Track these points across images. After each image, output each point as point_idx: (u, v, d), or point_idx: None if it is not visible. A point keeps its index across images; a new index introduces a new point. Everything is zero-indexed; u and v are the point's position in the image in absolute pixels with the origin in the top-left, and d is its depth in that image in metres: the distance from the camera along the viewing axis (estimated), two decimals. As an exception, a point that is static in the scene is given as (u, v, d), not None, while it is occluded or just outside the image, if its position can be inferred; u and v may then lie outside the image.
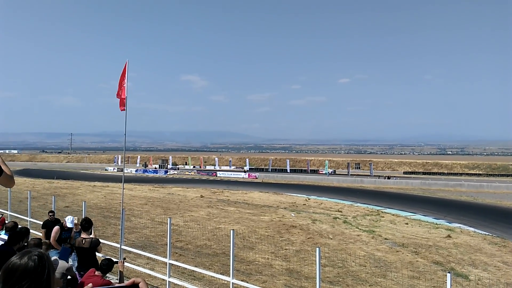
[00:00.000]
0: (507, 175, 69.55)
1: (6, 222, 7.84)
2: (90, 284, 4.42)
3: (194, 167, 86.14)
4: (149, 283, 8.10)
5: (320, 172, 73.70)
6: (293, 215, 20.76)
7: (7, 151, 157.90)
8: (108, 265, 5.02)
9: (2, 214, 10.84)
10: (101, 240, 6.70)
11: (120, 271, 5.28)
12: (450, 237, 16.06)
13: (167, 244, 8.15)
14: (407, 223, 19.54)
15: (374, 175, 62.85)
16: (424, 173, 76.45)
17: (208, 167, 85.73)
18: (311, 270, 10.26)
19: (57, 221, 8.02)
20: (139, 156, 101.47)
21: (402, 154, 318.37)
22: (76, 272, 5.73)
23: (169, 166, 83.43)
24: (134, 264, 9.17)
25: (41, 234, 8.32)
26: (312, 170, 78.43)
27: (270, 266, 10.97)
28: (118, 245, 8.96)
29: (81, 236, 6.19)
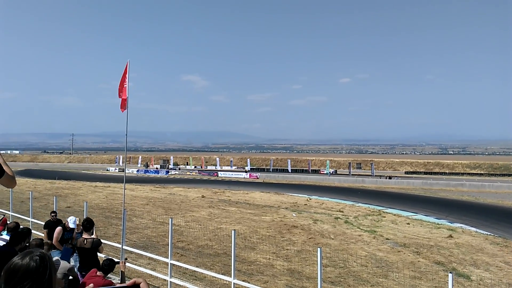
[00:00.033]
0: (509, 175, 69.39)
1: (8, 222, 7.85)
2: (92, 285, 4.43)
3: (195, 167, 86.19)
4: (150, 283, 8.10)
5: (322, 172, 73.63)
6: (294, 215, 20.74)
7: (8, 152, 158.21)
8: (109, 265, 5.03)
9: (4, 215, 10.85)
10: (102, 241, 6.71)
11: (121, 271, 5.29)
12: (451, 237, 16.03)
13: (168, 244, 8.15)
14: (408, 223, 19.51)
15: (375, 175, 62.80)
16: (425, 173, 76.35)
17: (209, 167, 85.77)
18: (313, 270, 10.25)
19: (59, 222, 8.04)
20: (140, 157, 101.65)
21: (403, 154, 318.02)
22: (78, 273, 5.74)
23: (170, 166, 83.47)
24: (135, 265, 9.18)
25: (43, 235, 8.33)
26: (313, 170, 78.42)
27: (271, 266, 10.96)
28: (120, 246, 8.97)
29: (83, 236, 6.20)
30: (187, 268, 8.71)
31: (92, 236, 6.21)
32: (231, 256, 7.21)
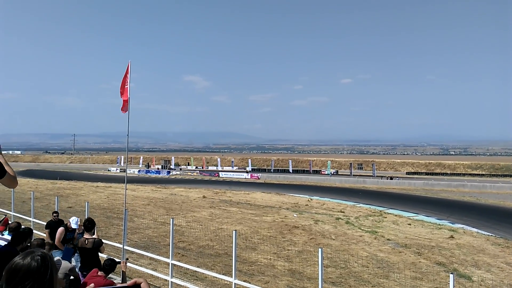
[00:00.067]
0: (510, 176, 69.20)
1: (10, 222, 7.87)
2: (92, 284, 4.44)
3: (196, 167, 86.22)
4: (151, 283, 8.11)
5: (323, 172, 73.58)
6: (295, 215, 20.74)
7: (10, 152, 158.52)
8: (110, 265, 5.04)
9: (6, 215, 10.89)
10: (104, 241, 6.72)
11: (122, 271, 5.30)
12: (453, 237, 16.00)
13: (169, 245, 8.16)
14: (409, 224, 19.48)
15: (376, 176, 62.71)
16: (427, 174, 76.20)
17: (210, 168, 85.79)
18: (314, 271, 10.24)
19: (60, 222, 8.06)
20: (141, 157, 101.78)
21: (404, 154, 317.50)
22: (79, 272, 5.75)
23: (172, 167, 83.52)
24: (136, 265, 9.19)
25: (44, 235, 8.35)
26: (314, 170, 78.41)
27: (272, 266, 10.96)
28: (121, 246, 8.98)
29: (84, 236, 6.21)
30: (188, 268, 8.71)
31: (94, 236, 6.23)
32: (232, 257, 7.21)
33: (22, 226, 6.53)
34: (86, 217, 7.78)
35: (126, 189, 9.91)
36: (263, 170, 79.48)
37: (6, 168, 2.63)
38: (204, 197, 28.42)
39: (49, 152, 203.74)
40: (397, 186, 49.00)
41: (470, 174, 72.82)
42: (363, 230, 17.10)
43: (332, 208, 25.04)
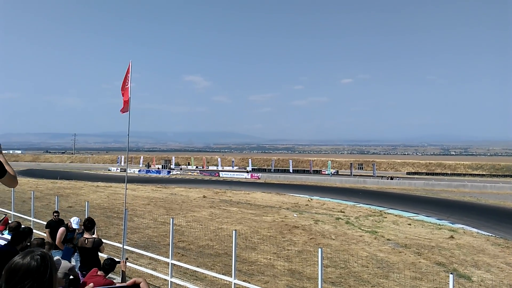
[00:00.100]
0: (511, 176, 69.18)
1: (10, 222, 7.88)
2: (92, 284, 4.45)
3: (196, 167, 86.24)
4: (151, 283, 8.12)
5: (323, 172, 73.58)
6: (295, 215, 20.74)
7: (11, 152, 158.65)
8: (110, 264, 5.05)
9: (6, 214, 10.90)
10: (103, 240, 6.73)
11: (122, 271, 5.31)
12: (453, 238, 16.00)
13: (169, 244, 8.17)
14: (410, 224, 19.48)
15: (377, 176, 62.69)
16: (427, 174, 76.18)
17: (210, 168, 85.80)
18: (313, 271, 10.24)
19: (61, 221, 8.07)
20: (142, 157, 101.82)
21: (405, 154, 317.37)
22: (79, 272, 5.76)
23: (172, 167, 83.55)
24: (136, 264, 9.20)
25: (44, 234, 8.36)
26: (314, 170, 78.40)
27: (272, 266, 10.97)
28: (121, 245, 8.99)
29: (84, 236, 6.22)
30: (188, 268, 8.72)
31: (93, 236, 6.24)
32: (232, 256, 7.22)
33: (22, 226, 6.53)
34: (86, 217, 7.79)
35: (126, 189, 9.92)
36: (264, 170, 79.47)
37: (6, 167, 2.64)
38: (204, 197, 28.44)
39: (50, 152, 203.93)
40: (398, 186, 48.98)
41: (471, 174, 72.78)
42: (363, 230, 17.10)
43: (332, 208, 25.04)
